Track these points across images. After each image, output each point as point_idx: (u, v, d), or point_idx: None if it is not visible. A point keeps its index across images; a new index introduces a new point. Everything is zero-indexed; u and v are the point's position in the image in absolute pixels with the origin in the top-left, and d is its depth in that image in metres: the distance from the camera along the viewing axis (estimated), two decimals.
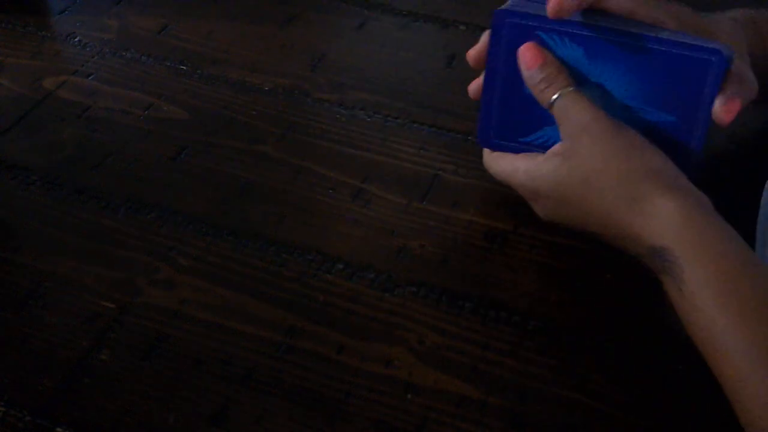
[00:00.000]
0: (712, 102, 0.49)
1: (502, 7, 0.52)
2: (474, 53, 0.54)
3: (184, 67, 0.70)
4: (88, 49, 0.71)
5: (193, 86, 0.68)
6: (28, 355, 0.48)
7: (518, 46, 0.51)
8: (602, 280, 0.52)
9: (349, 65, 0.70)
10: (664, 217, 0.44)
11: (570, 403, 0.46)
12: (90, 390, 0.47)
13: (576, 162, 0.47)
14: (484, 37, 0.53)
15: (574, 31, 0.50)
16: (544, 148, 0.51)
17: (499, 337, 0.50)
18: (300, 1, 0.78)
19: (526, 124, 0.53)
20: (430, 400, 0.46)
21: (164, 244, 0.55)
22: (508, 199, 0.56)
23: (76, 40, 0.72)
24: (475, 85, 0.55)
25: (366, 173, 0.60)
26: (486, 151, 0.55)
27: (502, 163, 0.53)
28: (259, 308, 0.51)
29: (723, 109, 0.48)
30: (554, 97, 0.49)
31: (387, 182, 0.59)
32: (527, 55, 0.50)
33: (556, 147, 0.50)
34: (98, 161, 0.61)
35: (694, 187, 0.46)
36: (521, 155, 0.52)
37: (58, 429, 0.45)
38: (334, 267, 0.53)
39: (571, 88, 0.49)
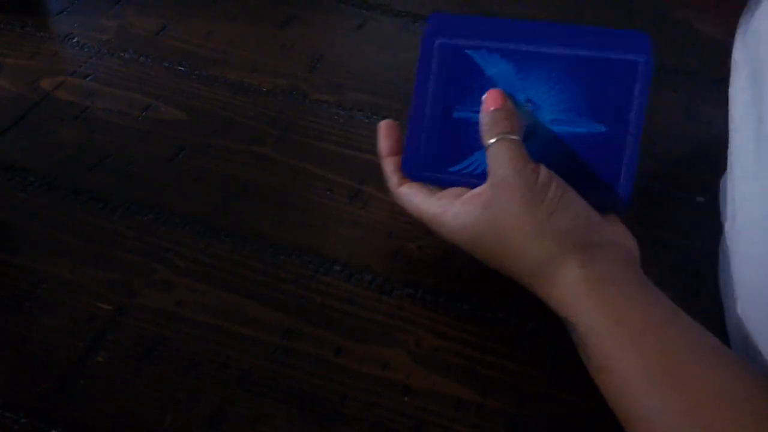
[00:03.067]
0: (643, 105, 0.47)
1: (427, 28, 0.51)
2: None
3: (183, 68, 0.69)
4: (86, 49, 0.71)
5: (191, 87, 0.68)
6: (24, 356, 0.48)
7: (449, 67, 0.50)
8: None
9: (348, 66, 0.70)
10: (565, 287, 0.43)
11: (568, 406, 0.46)
12: (86, 392, 0.46)
13: (493, 218, 0.46)
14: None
15: (503, 46, 0.49)
16: (472, 176, 0.50)
17: (497, 339, 0.50)
18: (299, 2, 0.78)
19: (455, 152, 0.51)
20: (428, 402, 0.46)
21: (162, 245, 0.55)
22: None
23: (74, 40, 0.72)
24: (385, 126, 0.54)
25: (364, 174, 0.60)
26: (394, 180, 0.52)
27: (411, 202, 0.51)
28: (256, 310, 0.51)
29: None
30: (492, 140, 0.47)
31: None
32: (489, 99, 0.49)
33: (477, 193, 0.48)
34: (96, 162, 0.61)
35: (611, 237, 0.45)
36: (438, 201, 0.50)
37: (54, 431, 0.45)
38: (331, 268, 0.53)
39: (511, 136, 0.47)
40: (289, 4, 0.77)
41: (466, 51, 0.50)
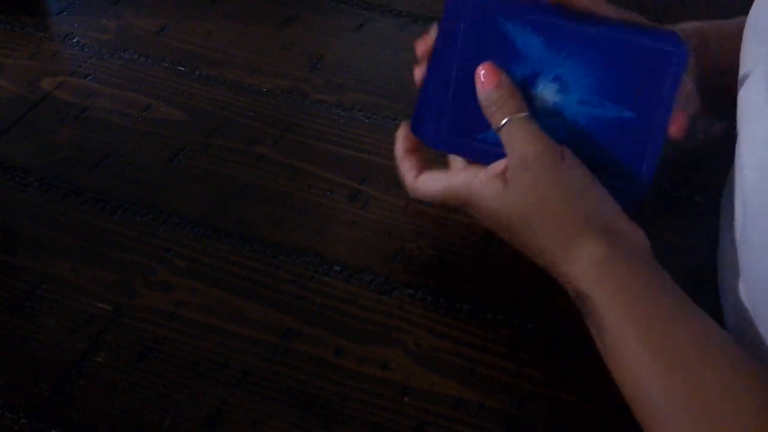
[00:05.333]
0: (672, 96, 0.47)
1: None
2: (425, 45, 0.51)
3: (183, 68, 0.69)
4: (86, 49, 0.71)
5: (191, 87, 0.68)
6: (24, 357, 0.48)
7: (479, 30, 0.49)
8: None
9: (347, 66, 0.70)
10: (586, 265, 0.44)
11: (567, 407, 0.46)
12: (86, 392, 0.46)
13: (516, 195, 0.46)
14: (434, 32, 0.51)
15: (537, 17, 0.48)
16: (499, 146, 0.48)
17: (497, 339, 0.49)
18: (299, 2, 0.78)
19: (482, 120, 0.49)
20: (427, 402, 0.46)
21: (161, 245, 0.55)
22: None
23: (74, 40, 0.72)
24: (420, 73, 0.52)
25: (364, 175, 0.60)
26: (411, 174, 0.51)
27: (433, 185, 0.50)
28: (255, 310, 0.51)
29: (672, 127, 0.48)
30: (503, 121, 0.47)
31: (385, 184, 0.59)
32: (483, 74, 0.48)
33: (499, 168, 0.47)
34: (96, 162, 0.61)
35: (629, 228, 0.45)
36: (457, 175, 0.49)
37: (53, 431, 0.45)
38: (331, 269, 0.53)
39: (522, 114, 0.47)
40: (289, 4, 0.77)
41: (497, 17, 0.49)
